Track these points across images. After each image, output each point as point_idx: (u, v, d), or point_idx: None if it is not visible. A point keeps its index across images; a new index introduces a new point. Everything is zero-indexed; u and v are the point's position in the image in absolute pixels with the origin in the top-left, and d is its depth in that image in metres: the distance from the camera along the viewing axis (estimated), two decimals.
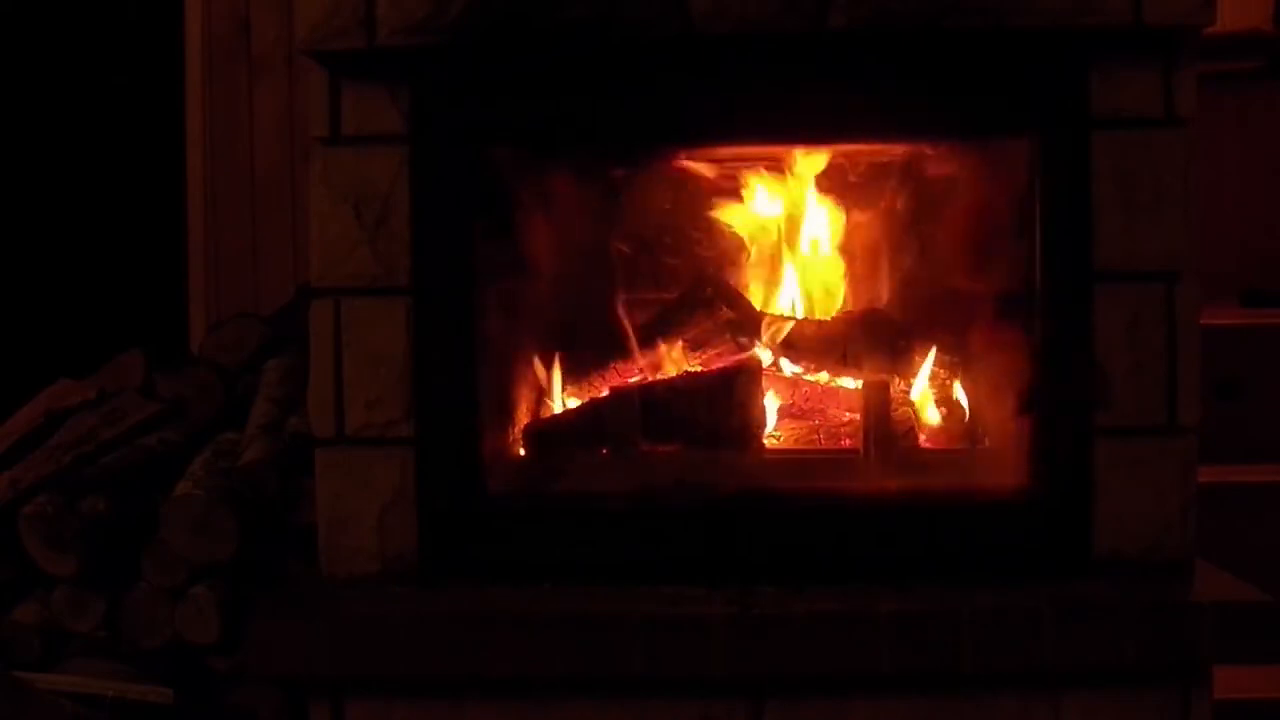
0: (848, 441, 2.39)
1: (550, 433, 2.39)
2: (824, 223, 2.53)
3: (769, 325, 2.48)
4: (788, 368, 2.47)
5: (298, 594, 2.22)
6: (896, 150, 2.45)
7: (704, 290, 2.50)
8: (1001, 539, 2.17)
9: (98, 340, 3.08)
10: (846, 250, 2.54)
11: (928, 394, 2.41)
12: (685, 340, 2.49)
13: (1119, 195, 2.15)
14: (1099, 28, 2.09)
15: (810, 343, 2.46)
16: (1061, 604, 2.03)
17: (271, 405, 2.64)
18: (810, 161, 2.47)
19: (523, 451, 2.36)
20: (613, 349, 2.50)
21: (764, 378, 2.39)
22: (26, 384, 2.88)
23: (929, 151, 2.42)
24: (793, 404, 2.47)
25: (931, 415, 2.41)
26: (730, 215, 2.55)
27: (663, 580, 2.13)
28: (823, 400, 2.47)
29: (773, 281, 2.57)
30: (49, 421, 2.68)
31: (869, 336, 2.43)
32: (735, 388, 2.35)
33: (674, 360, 2.49)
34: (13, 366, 3.39)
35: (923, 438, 2.38)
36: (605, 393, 2.45)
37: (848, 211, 2.52)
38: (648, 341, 2.51)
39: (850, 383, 2.45)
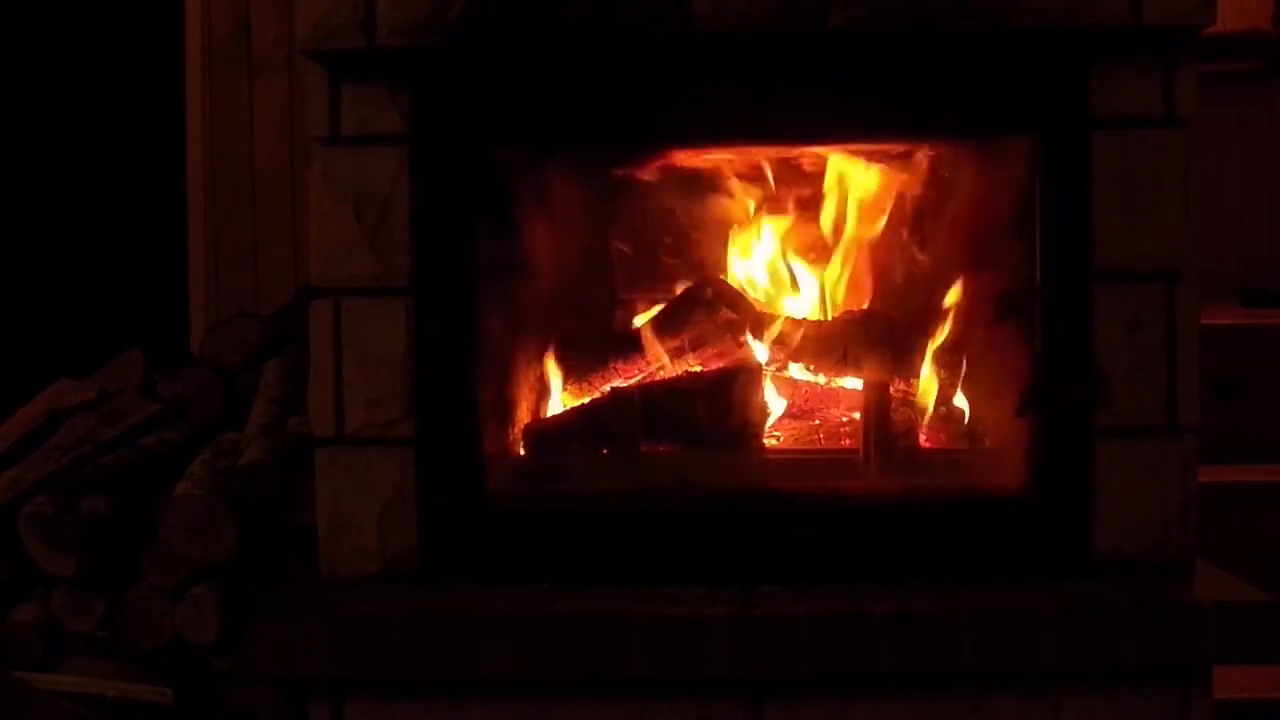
0: (848, 441, 2.39)
1: (550, 433, 2.39)
2: (824, 222, 2.53)
3: (769, 325, 2.47)
4: (788, 368, 2.47)
5: (298, 594, 2.22)
6: (896, 150, 2.45)
7: (704, 290, 2.50)
8: (1002, 539, 2.17)
9: (98, 340, 3.09)
10: (847, 250, 2.54)
11: (929, 391, 2.41)
12: (685, 340, 2.49)
13: (1119, 195, 2.15)
14: (1099, 28, 2.09)
15: (810, 343, 2.46)
16: (1061, 604, 2.03)
17: (271, 405, 2.64)
18: (811, 162, 2.48)
19: (523, 451, 2.36)
20: (613, 349, 2.50)
21: (764, 378, 2.39)
22: (26, 384, 2.88)
23: (929, 151, 2.42)
24: (793, 404, 2.47)
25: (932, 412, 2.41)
26: (729, 215, 2.55)
27: (663, 580, 2.13)
28: (823, 400, 2.47)
29: (773, 281, 2.56)
30: (49, 421, 2.68)
31: (869, 336, 2.43)
32: (735, 388, 2.35)
33: (674, 360, 2.49)
34: (13, 366, 3.39)
35: (923, 438, 2.38)
36: (605, 393, 2.45)
37: (848, 211, 2.52)
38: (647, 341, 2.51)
39: (850, 383, 2.45)
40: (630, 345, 2.50)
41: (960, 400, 2.40)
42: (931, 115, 2.20)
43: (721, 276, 2.54)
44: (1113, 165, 2.15)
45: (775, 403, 2.43)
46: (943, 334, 2.40)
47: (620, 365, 2.49)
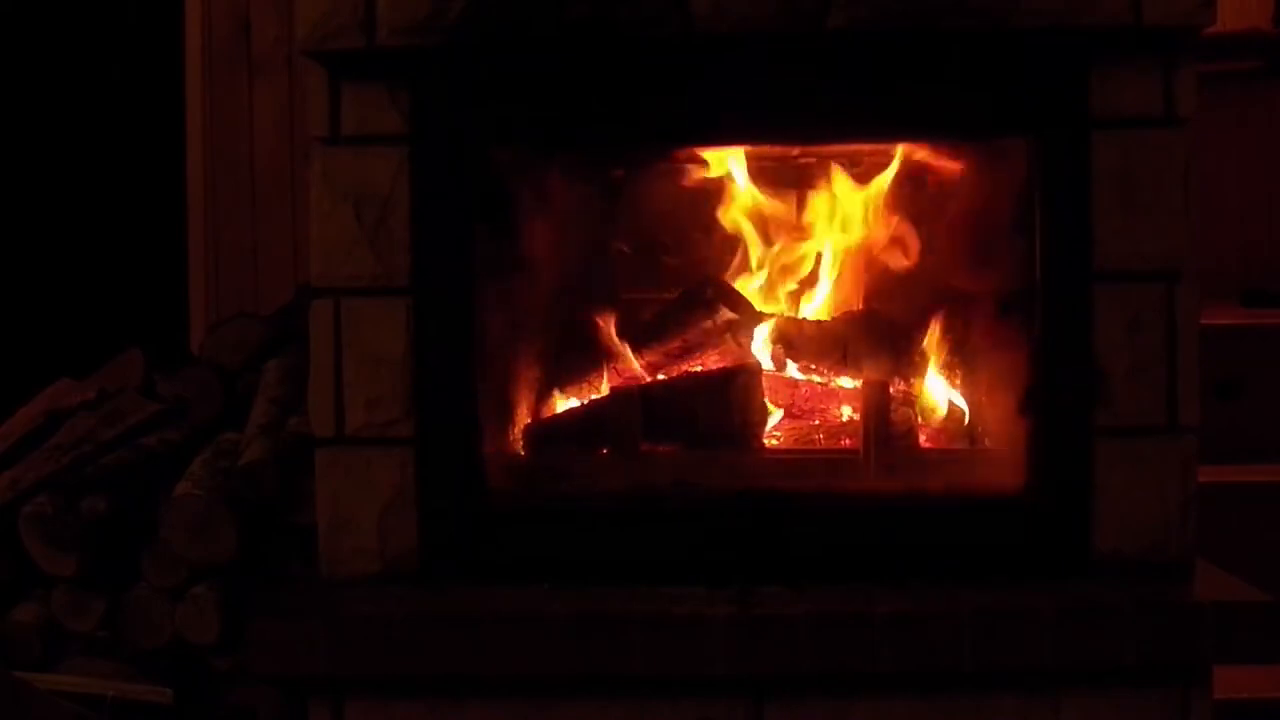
0: (848, 441, 2.39)
1: (550, 433, 2.39)
2: (825, 222, 2.53)
3: (769, 325, 2.47)
4: (788, 368, 2.47)
5: (298, 594, 2.22)
6: (896, 150, 2.45)
7: (704, 290, 2.50)
8: (1001, 539, 2.17)
9: (98, 340, 3.08)
10: (848, 250, 2.54)
11: (930, 390, 2.41)
12: (685, 340, 2.49)
13: (1119, 195, 2.15)
14: (1099, 28, 2.09)
15: (810, 343, 2.46)
16: (1061, 604, 2.03)
17: (271, 405, 2.64)
18: (811, 161, 2.48)
19: (523, 451, 2.36)
20: (612, 349, 2.50)
21: (764, 378, 2.39)
22: (26, 384, 2.88)
23: (929, 151, 2.42)
24: (793, 404, 2.47)
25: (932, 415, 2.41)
26: (729, 215, 2.55)
27: (663, 580, 2.13)
28: (823, 400, 2.47)
29: (773, 281, 2.56)
30: (49, 421, 2.68)
31: (869, 336, 2.43)
32: (735, 388, 2.35)
33: (673, 360, 2.49)
34: (13, 366, 3.39)
35: (923, 438, 2.38)
36: (605, 393, 2.45)
37: (848, 211, 2.52)
38: (648, 341, 2.51)
39: (850, 383, 2.45)
40: (629, 346, 2.50)
41: (960, 400, 2.41)
42: (932, 115, 2.20)
43: (721, 276, 2.54)
44: (1113, 165, 2.15)
45: (775, 402, 2.43)
46: (943, 334, 2.40)
47: (620, 365, 2.49)
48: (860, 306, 2.52)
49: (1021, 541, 2.17)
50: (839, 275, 2.54)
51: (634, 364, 2.47)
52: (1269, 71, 3.64)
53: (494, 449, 2.26)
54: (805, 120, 2.21)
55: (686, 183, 2.52)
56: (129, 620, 2.38)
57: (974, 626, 2.01)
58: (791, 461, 2.36)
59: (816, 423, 2.45)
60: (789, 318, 2.50)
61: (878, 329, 2.44)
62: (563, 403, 2.46)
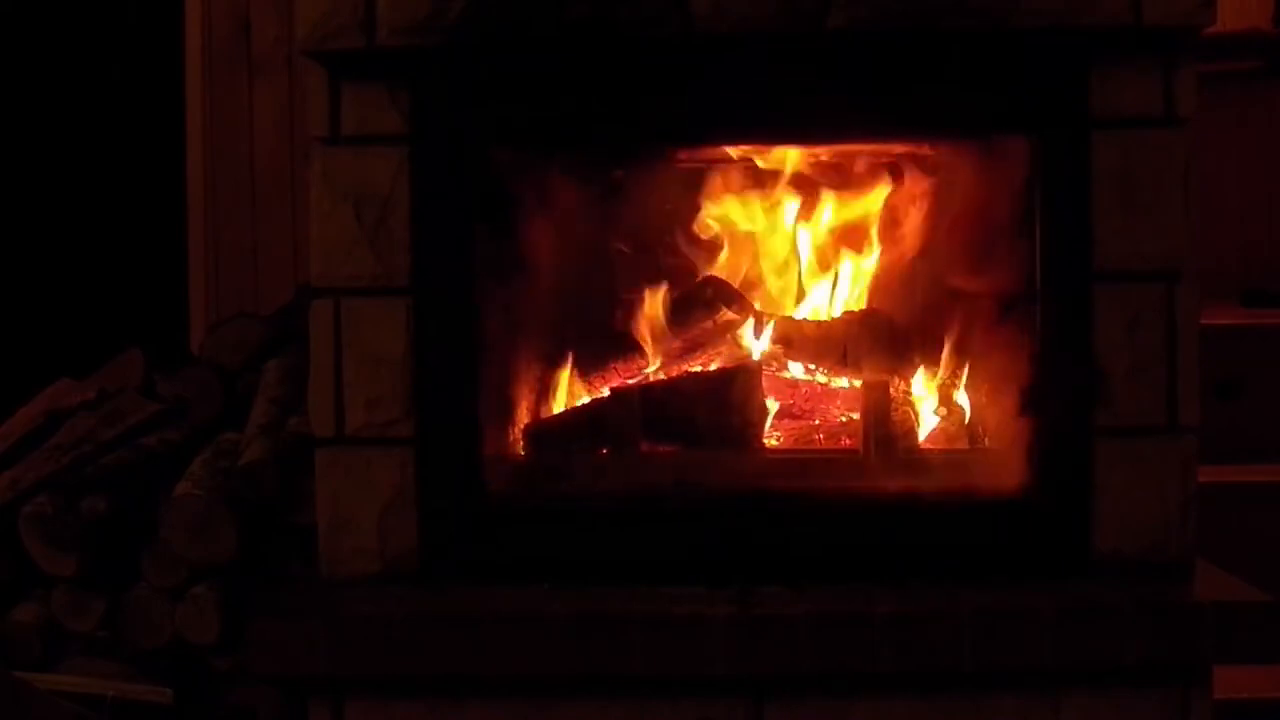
0: (848, 441, 2.39)
1: (550, 433, 2.39)
2: (824, 222, 2.53)
3: (769, 325, 2.47)
4: (788, 368, 2.47)
5: (298, 594, 2.22)
6: (896, 150, 2.45)
7: (704, 290, 2.50)
8: (1001, 539, 2.17)
9: (98, 340, 3.09)
10: (847, 250, 2.54)
11: (930, 390, 2.41)
12: (685, 340, 2.49)
13: (1119, 195, 2.15)
14: (1099, 28, 2.09)
15: (810, 343, 2.46)
16: (1061, 604, 2.03)
17: (271, 405, 2.64)
18: (809, 161, 2.48)
19: (523, 451, 2.36)
20: (613, 349, 2.50)
21: (764, 378, 2.39)
22: (26, 384, 2.88)
23: (929, 151, 2.42)
24: (793, 404, 2.47)
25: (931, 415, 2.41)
26: (730, 215, 2.55)
27: (663, 580, 2.13)
28: (823, 400, 2.47)
29: (773, 281, 2.56)
30: (49, 421, 2.68)
31: (869, 336, 2.43)
32: (735, 388, 2.35)
33: (673, 360, 2.49)
34: (13, 366, 3.39)
35: (923, 437, 2.38)
36: (605, 393, 2.45)
37: (847, 211, 2.52)
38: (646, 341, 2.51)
39: (850, 382, 2.45)
40: (630, 345, 2.50)
41: (960, 400, 2.41)
42: (931, 115, 2.20)
43: (721, 276, 2.54)
44: (1113, 165, 2.15)
45: (775, 402, 2.42)
46: (943, 334, 2.40)
47: (620, 365, 2.49)
48: (860, 306, 2.52)
49: (1021, 541, 2.17)
50: (839, 275, 2.54)
51: (648, 355, 2.47)
52: (1269, 71, 3.64)
53: (494, 449, 2.26)
54: (805, 120, 2.21)
55: (686, 182, 2.52)
56: (129, 620, 2.38)
57: (974, 626, 2.01)
58: (791, 461, 2.36)
59: (817, 423, 2.45)
60: (789, 318, 2.50)
61: (878, 329, 2.44)
62: (563, 403, 2.46)
